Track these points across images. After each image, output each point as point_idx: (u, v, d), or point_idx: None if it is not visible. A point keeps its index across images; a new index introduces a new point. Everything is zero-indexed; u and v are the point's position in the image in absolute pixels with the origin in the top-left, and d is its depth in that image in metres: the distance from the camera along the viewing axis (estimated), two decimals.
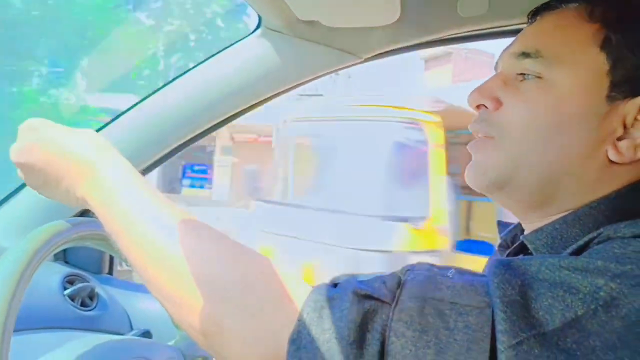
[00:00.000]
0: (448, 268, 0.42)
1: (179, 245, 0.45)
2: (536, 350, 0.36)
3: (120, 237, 0.48)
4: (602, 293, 0.37)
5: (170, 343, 0.76)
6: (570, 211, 0.51)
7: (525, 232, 0.55)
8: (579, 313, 0.36)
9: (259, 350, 0.41)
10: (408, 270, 0.43)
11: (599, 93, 0.50)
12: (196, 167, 12.62)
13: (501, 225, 0.65)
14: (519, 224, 0.61)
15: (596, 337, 0.36)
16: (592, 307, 0.36)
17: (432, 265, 0.43)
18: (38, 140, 0.54)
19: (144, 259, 0.46)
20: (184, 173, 12.76)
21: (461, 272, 0.42)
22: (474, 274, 0.42)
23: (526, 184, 0.53)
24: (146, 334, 0.86)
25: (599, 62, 0.51)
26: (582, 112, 0.50)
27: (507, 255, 0.56)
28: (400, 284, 0.41)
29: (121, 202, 0.48)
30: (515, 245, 0.57)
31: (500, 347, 0.36)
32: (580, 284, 0.38)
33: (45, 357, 0.62)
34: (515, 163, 0.53)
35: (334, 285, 0.44)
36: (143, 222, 0.47)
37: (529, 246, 0.52)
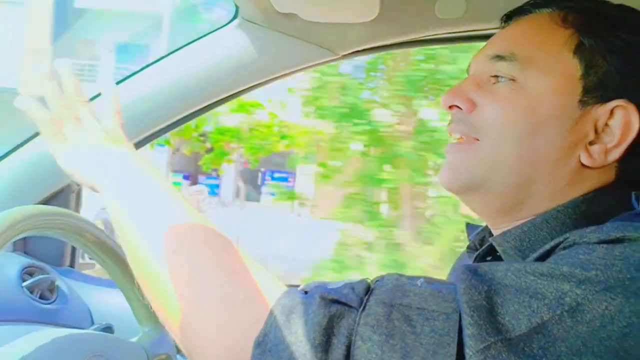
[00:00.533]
0: (417, 278, 0.43)
1: (170, 230, 0.47)
2: (503, 355, 0.36)
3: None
4: (567, 299, 0.37)
5: (133, 340, 0.74)
6: (538, 214, 0.52)
7: (494, 235, 0.56)
8: (545, 318, 0.37)
9: (225, 345, 0.42)
10: (377, 280, 0.43)
11: (571, 97, 0.51)
12: (276, 175, 12.15)
13: (469, 227, 0.66)
14: (487, 227, 0.61)
15: (562, 342, 0.36)
16: (558, 312, 0.37)
17: (401, 275, 0.43)
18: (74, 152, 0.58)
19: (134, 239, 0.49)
20: (263, 180, 12.22)
21: (430, 281, 0.42)
22: (442, 283, 0.42)
23: (499, 186, 0.53)
24: (108, 329, 0.84)
25: (572, 67, 0.52)
26: (555, 116, 0.51)
27: (476, 258, 0.57)
28: (368, 291, 0.41)
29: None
30: (483, 248, 0.57)
31: (468, 351, 0.36)
32: (546, 289, 0.38)
33: (1, 350, 0.60)
34: (491, 166, 0.53)
35: (305, 292, 0.44)
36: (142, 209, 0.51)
37: (497, 248, 0.52)
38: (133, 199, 0.52)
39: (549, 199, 0.52)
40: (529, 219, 0.52)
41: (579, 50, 0.52)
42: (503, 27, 0.59)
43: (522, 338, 0.36)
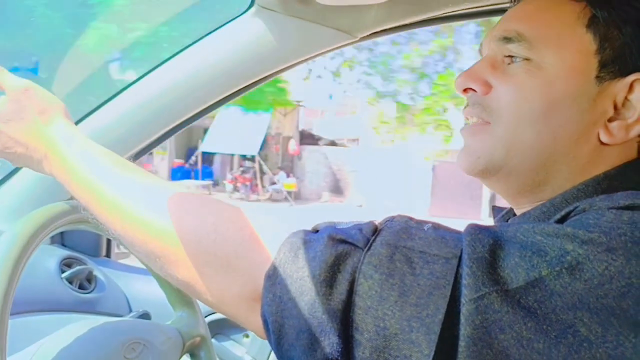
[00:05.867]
0: (426, 223, 0.44)
1: (150, 205, 0.49)
2: (495, 305, 0.37)
3: (92, 205, 0.53)
4: (568, 257, 0.38)
5: (168, 323, 0.77)
6: (559, 194, 0.51)
7: (516, 215, 0.56)
8: (543, 273, 0.37)
9: (237, 290, 0.45)
10: (387, 221, 0.44)
11: (587, 74, 0.50)
12: None
13: (495, 210, 0.66)
14: (512, 209, 0.60)
15: (558, 297, 0.37)
16: (557, 269, 0.37)
17: (411, 219, 0.45)
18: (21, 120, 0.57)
19: (119, 222, 0.51)
20: None
21: (437, 227, 0.43)
22: (448, 230, 0.43)
23: (519, 168, 0.52)
24: (145, 315, 0.86)
25: (586, 42, 0.50)
26: (572, 94, 0.50)
27: None
28: (375, 232, 0.43)
29: (84, 174, 0.54)
30: None
31: (462, 300, 0.37)
32: (549, 247, 0.38)
33: (44, 340, 0.62)
34: (509, 148, 0.52)
35: (315, 231, 0.46)
36: (108, 188, 0.52)
37: None
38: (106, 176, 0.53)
39: (570, 179, 0.51)
40: (550, 199, 0.51)
41: (593, 23, 0.50)
42: (513, 5, 0.57)
43: (518, 290, 0.37)
